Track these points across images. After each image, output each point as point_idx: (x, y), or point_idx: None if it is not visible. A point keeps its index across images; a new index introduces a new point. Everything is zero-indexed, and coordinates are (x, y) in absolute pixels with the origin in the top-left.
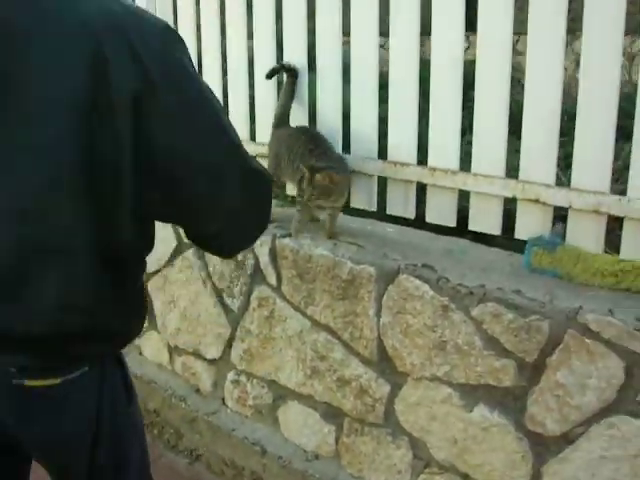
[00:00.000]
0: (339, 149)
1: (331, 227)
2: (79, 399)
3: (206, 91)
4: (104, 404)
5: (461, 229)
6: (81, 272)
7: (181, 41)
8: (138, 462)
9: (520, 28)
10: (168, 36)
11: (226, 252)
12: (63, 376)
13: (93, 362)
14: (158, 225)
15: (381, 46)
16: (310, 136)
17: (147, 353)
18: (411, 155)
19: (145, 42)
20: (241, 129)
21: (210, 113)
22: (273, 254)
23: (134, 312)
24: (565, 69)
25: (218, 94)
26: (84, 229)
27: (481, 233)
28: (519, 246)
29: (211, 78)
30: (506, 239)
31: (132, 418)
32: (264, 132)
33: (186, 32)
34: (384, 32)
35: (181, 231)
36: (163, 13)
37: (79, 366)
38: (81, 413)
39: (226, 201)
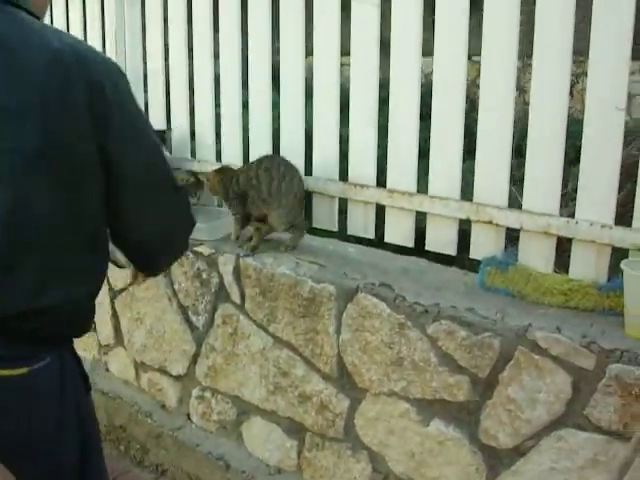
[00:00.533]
0: (302, 171)
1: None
2: (44, 388)
3: (145, 117)
4: (67, 390)
5: (420, 249)
6: (57, 256)
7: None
8: (99, 448)
9: (474, 49)
10: (119, 69)
11: (145, 265)
12: (30, 366)
13: (55, 351)
14: None
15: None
16: None
17: (113, 369)
18: (370, 177)
19: (103, 73)
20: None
21: (151, 136)
22: (237, 273)
23: (95, 293)
24: (522, 92)
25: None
26: (57, 217)
27: (441, 253)
28: (475, 266)
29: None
30: (463, 259)
31: (91, 406)
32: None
33: (155, 54)
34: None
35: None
36: (132, 33)
37: (44, 355)
38: (47, 401)
39: (151, 216)
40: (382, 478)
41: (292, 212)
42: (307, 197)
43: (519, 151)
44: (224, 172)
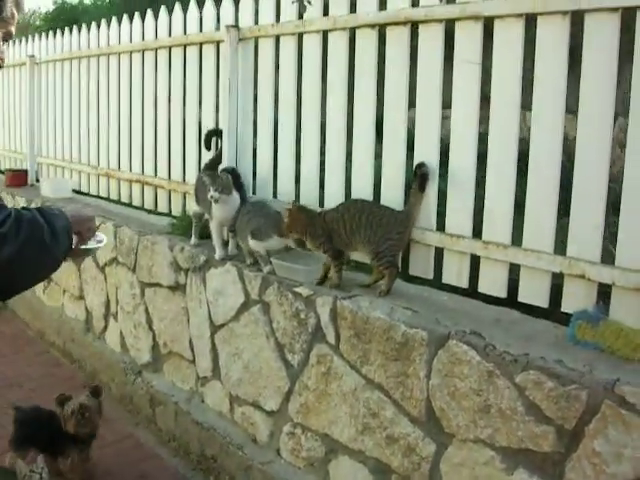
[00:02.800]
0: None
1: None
2: None
3: None
4: None
5: (513, 300)
6: None
7: None
8: None
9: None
10: None
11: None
12: None
13: None
14: (229, 280)
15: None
16: None
17: (209, 401)
18: (466, 228)
19: None
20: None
21: None
22: (333, 314)
23: None
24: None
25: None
26: None
27: (533, 304)
28: (566, 319)
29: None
30: (555, 312)
31: None
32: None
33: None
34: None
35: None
36: (245, 84)
37: None
38: None
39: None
40: None
41: (382, 247)
42: (405, 245)
43: (615, 207)
44: (305, 210)
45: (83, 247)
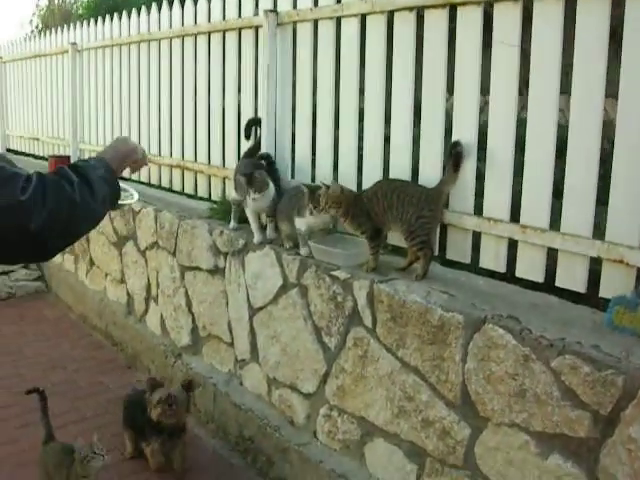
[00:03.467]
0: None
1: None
2: None
3: None
4: None
5: (550, 285)
6: None
7: None
8: None
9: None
10: None
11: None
12: None
13: None
14: (268, 264)
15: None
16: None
17: (247, 383)
18: (504, 212)
19: None
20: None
21: None
22: (370, 298)
23: None
24: None
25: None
26: None
27: (570, 290)
28: (604, 304)
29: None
30: (592, 297)
31: None
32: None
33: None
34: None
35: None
36: (283, 69)
37: None
38: None
39: None
40: None
41: (414, 226)
42: (443, 229)
43: None
44: (344, 188)
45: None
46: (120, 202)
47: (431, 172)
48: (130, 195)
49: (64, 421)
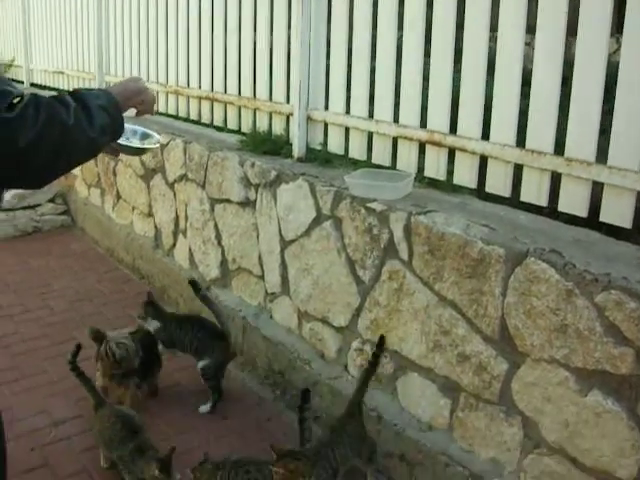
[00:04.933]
0: (477, 134)
1: None
2: None
3: None
4: None
5: (593, 221)
6: None
7: None
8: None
9: None
10: None
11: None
12: None
13: None
14: (301, 196)
15: (527, 44)
16: None
17: (277, 317)
18: (548, 144)
19: None
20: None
21: None
22: (407, 230)
23: None
24: None
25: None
26: None
27: (615, 228)
28: None
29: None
30: (637, 234)
31: None
32: None
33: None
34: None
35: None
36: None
37: None
38: None
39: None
40: (533, 445)
41: None
42: (483, 161)
43: None
44: None
45: (136, 146)
46: (145, 146)
47: (471, 112)
48: (155, 140)
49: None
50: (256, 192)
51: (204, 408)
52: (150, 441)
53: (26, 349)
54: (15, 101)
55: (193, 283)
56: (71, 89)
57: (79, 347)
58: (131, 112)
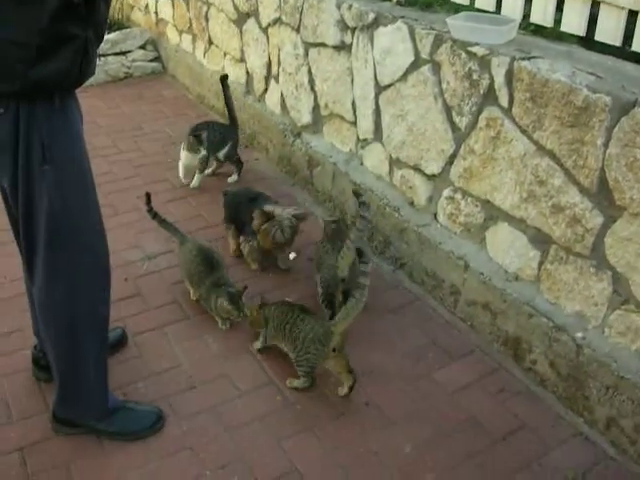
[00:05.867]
0: None
1: None
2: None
3: None
4: (19, 156)
5: None
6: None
7: None
8: (46, 212)
9: None
10: None
11: None
12: None
13: (4, 104)
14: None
15: None
16: None
17: (368, 163)
18: None
19: None
20: None
21: None
22: (509, 76)
23: (20, 41)
24: None
25: None
26: None
27: None
28: None
29: None
30: None
31: (46, 175)
32: None
33: None
34: None
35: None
36: None
37: None
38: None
39: None
40: (621, 301)
41: None
42: (595, 5)
43: None
44: None
45: None
46: None
47: None
48: None
49: (186, 193)
50: (352, 35)
51: (232, 178)
52: (226, 277)
53: (119, 188)
54: None
55: (223, 78)
56: None
57: (149, 195)
58: None
